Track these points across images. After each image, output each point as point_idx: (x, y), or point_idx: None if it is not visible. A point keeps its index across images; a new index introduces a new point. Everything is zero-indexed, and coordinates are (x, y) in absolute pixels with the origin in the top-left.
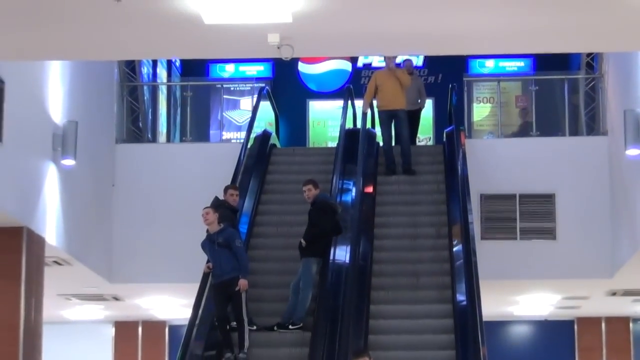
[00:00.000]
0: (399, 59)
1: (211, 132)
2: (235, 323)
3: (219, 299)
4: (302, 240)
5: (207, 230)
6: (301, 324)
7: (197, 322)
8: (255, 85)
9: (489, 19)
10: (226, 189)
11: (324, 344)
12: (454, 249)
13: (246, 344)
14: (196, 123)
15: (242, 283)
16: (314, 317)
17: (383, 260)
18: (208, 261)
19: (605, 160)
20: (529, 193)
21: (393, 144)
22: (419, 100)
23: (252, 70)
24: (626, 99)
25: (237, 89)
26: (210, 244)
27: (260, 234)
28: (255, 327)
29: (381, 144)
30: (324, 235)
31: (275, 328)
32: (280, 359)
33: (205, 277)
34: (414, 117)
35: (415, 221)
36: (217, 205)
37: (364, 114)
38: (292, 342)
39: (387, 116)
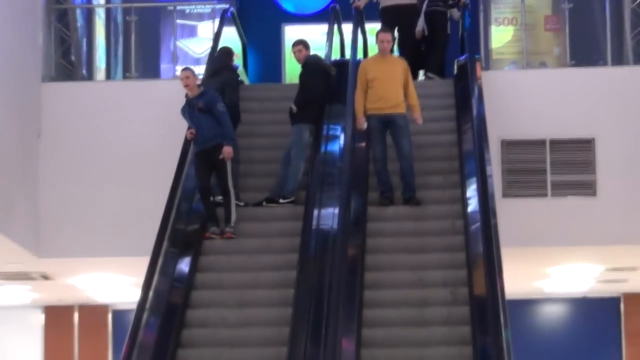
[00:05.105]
0: None
1: (162, 66)
2: (220, 198)
3: (202, 168)
4: (293, 106)
5: (186, 95)
6: (293, 197)
7: (147, 305)
8: (217, 6)
9: None
10: (228, 52)
11: None
12: (469, 210)
13: (233, 217)
14: (143, 55)
15: (226, 150)
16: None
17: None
18: (189, 127)
19: None
20: (563, 138)
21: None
22: None
23: None
24: None
25: (194, 11)
26: (190, 109)
27: (245, 110)
28: (242, 204)
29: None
30: (316, 99)
31: (263, 203)
32: (271, 233)
33: (187, 143)
34: (407, 13)
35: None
36: (219, 67)
37: (358, 115)
38: (284, 217)
39: (380, 123)
